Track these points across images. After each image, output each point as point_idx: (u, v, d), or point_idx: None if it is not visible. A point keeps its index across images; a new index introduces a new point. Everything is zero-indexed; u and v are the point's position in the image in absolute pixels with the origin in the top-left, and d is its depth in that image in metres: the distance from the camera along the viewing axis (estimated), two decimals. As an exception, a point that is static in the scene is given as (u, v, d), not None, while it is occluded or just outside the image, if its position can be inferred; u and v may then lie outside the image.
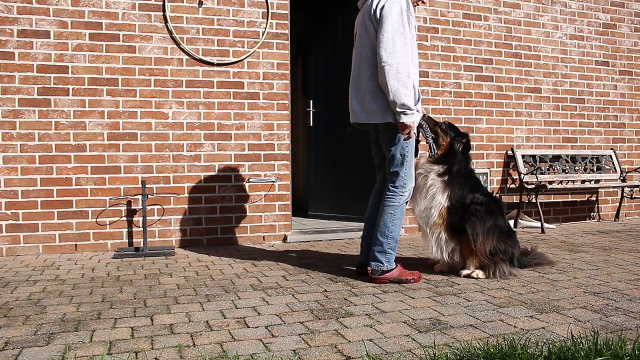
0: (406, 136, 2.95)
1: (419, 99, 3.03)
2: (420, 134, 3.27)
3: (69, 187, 4.14)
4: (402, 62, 2.83)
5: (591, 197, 6.08)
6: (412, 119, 2.89)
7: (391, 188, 3.05)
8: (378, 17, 2.90)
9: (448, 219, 3.18)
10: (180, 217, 4.40)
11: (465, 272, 3.21)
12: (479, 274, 3.17)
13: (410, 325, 2.27)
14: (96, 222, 4.20)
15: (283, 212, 4.69)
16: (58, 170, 4.12)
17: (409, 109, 2.85)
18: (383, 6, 2.89)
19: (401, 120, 2.88)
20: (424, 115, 3.25)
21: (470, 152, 3.40)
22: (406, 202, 3.10)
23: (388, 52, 2.83)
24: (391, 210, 3.03)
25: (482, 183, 3.51)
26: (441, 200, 3.18)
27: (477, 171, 5.39)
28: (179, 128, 4.39)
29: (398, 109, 2.86)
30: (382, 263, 3.01)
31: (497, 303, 2.62)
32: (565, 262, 3.65)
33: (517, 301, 2.65)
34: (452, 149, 3.26)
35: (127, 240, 4.28)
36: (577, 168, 5.80)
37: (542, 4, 5.75)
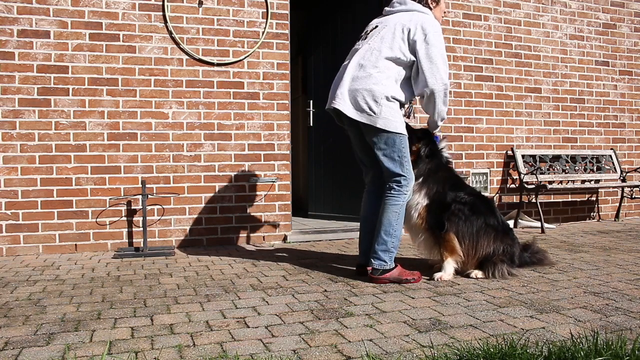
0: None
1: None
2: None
3: (69, 187, 4.14)
4: (447, 87, 3.06)
5: (591, 197, 6.08)
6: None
7: (395, 187, 3.05)
8: (423, 42, 2.98)
9: (428, 218, 3.16)
10: (180, 217, 4.40)
11: (438, 275, 3.13)
12: (478, 274, 3.16)
13: (410, 325, 2.27)
14: (96, 222, 4.20)
15: (283, 212, 4.69)
16: (58, 170, 4.12)
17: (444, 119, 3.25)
18: (426, 35, 2.98)
19: (436, 131, 3.32)
20: None
21: (441, 149, 3.37)
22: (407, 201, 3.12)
23: (438, 80, 3.01)
24: (396, 209, 3.03)
25: (465, 182, 3.48)
26: (418, 199, 3.18)
27: (477, 171, 5.40)
28: (179, 128, 4.39)
29: (439, 123, 3.22)
30: (386, 262, 3.01)
31: (497, 303, 2.62)
32: (565, 262, 3.65)
33: (517, 301, 2.65)
34: (418, 154, 3.25)
35: (127, 240, 4.28)
36: (577, 168, 5.80)
37: (542, 4, 5.75)
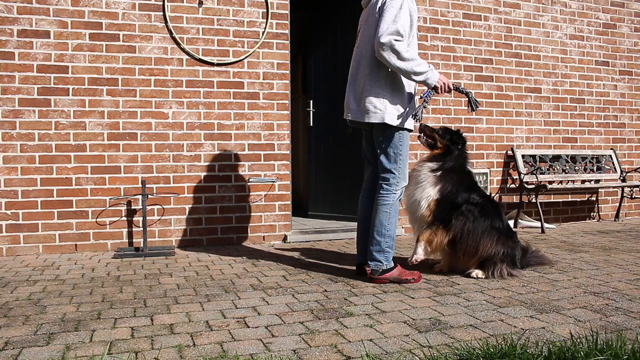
0: (441, 91, 3.03)
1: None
2: (420, 140, 3.35)
3: (69, 187, 4.14)
4: (396, 43, 2.83)
5: (591, 197, 6.08)
6: (435, 77, 2.96)
7: (384, 186, 3.06)
8: (382, 10, 2.94)
9: (436, 213, 3.17)
10: (180, 217, 4.40)
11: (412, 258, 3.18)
12: (479, 273, 3.17)
13: (410, 325, 2.27)
14: (96, 222, 4.20)
15: (283, 212, 4.69)
16: (58, 170, 4.12)
17: (424, 71, 2.92)
18: (385, 2, 2.93)
19: (430, 85, 2.98)
20: (420, 125, 3.32)
21: (468, 151, 3.41)
22: (399, 200, 3.11)
23: (381, 33, 2.84)
24: (386, 209, 3.03)
25: (479, 186, 3.51)
26: (430, 193, 3.19)
27: (477, 171, 5.39)
28: (179, 128, 4.39)
29: (418, 79, 2.94)
30: (381, 262, 3.02)
31: (497, 303, 2.62)
32: (565, 262, 3.65)
33: (517, 301, 2.65)
34: (448, 149, 3.29)
35: (127, 240, 4.28)
36: (577, 168, 5.80)
37: (542, 4, 5.75)
